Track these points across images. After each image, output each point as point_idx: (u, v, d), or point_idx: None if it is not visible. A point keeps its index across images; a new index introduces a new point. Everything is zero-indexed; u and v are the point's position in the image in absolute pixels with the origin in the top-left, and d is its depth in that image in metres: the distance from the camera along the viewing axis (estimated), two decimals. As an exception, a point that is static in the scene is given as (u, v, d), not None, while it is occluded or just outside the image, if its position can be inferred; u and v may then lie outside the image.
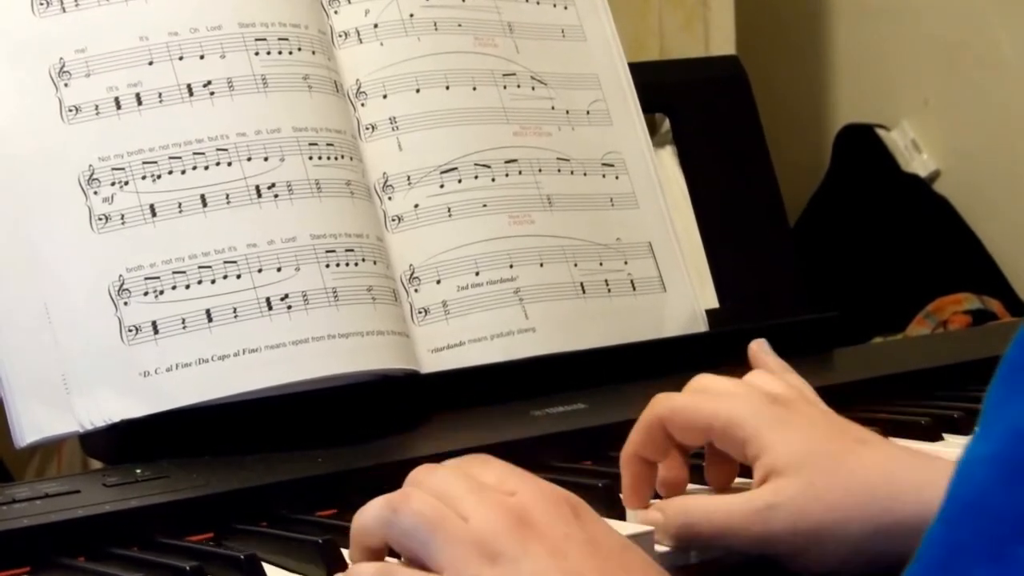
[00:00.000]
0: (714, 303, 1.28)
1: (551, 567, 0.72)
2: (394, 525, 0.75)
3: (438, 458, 0.85)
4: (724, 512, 0.86)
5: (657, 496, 0.92)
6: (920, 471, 0.85)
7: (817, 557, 0.85)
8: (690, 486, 0.92)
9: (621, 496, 0.91)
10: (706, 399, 0.89)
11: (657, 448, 0.90)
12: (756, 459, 0.86)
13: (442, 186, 1.15)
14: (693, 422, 0.89)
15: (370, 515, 0.77)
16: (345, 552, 0.81)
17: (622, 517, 0.90)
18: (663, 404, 0.90)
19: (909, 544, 0.82)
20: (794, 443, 0.86)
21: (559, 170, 1.20)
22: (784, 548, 0.85)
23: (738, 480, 0.92)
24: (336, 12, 1.16)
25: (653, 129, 1.44)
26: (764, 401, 0.89)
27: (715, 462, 0.91)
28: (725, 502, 0.87)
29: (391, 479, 0.86)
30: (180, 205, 1.03)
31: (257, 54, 1.08)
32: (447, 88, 1.17)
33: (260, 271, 1.04)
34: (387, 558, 0.79)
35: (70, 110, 1.03)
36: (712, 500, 0.88)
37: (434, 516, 0.74)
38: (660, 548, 0.87)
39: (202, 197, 1.04)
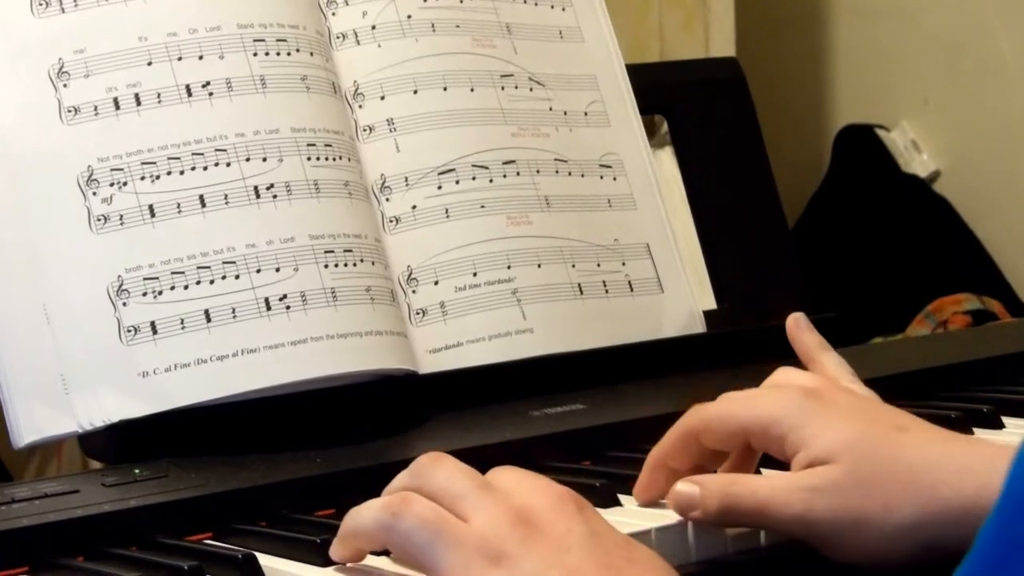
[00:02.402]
0: (712, 304, 1.28)
1: (554, 563, 0.72)
2: (393, 530, 0.75)
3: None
4: (767, 488, 0.85)
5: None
6: (962, 457, 0.84)
7: (858, 544, 0.84)
8: None
9: (633, 489, 0.92)
10: (739, 404, 0.89)
11: (687, 458, 0.90)
12: (795, 453, 0.86)
13: (440, 187, 1.15)
14: (729, 429, 0.89)
15: (368, 518, 0.77)
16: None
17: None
18: (697, 416, 0.90)
19: (950, 534, 0.82)
20: (833, 434, 0.85)
21: (557, 171, 1.20)
22: (822, 532, 0.84)
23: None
24: (334, 14, 1.16)
25: (651, 130, 1.44)
26: (798, 395, 0.88)
27: (735, 467, 0.92)
28: (768, 479, 0.87)
29: (389, 479, 0.86)
30: (179, 205, 1.04)
31: (256, 55, 1.08)
32: (445, 89, 1.17)
33: (259, 271, 1.04)
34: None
35: (69, 111, 1.04)
36: (756, 477, 0.88)
37: (435, 520, 0.74)
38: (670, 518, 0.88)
39: (201, 198, 1.04)
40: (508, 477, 0.77)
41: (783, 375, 0.93)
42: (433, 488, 0.76)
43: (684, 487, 0.87)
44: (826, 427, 0.86)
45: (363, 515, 0.77)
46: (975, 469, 0.83)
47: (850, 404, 0.89)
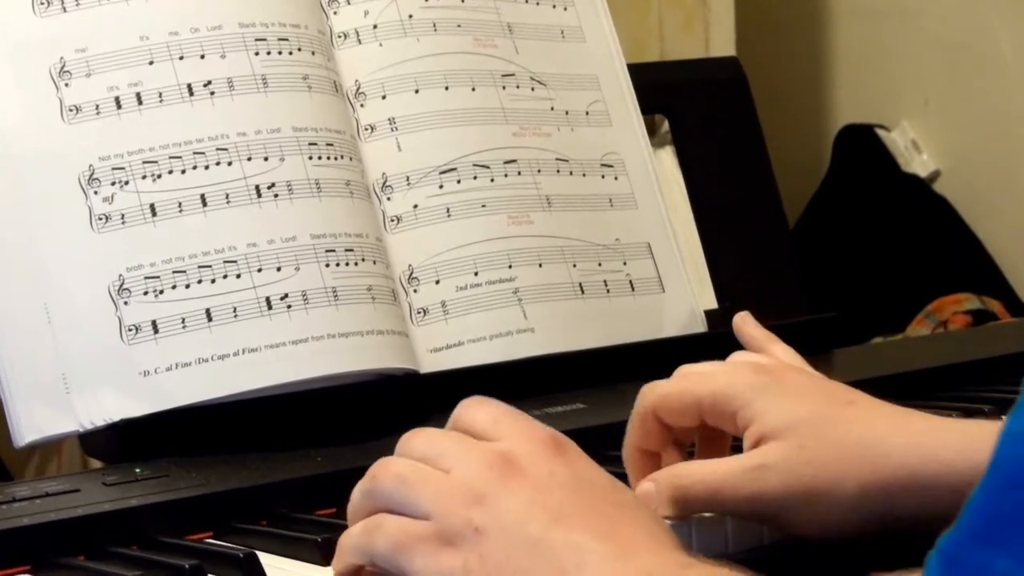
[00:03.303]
0: (713, 304, 1.28)
1: (535, 502, 0.72)
2: (375, 493, 0.76)
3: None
4: (718, 473, 0.86)
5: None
6: (907, 431, 0.86)
7: (811, 518, 0.85)
8: None
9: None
10: (693, 380, 0.90)
11: (655, 439, 0.91)
12: (746, 427, 0.87)
13: (441, 186, 1.15)
14: (683, 404, 0.89)
15: (355, 493, 0.78)
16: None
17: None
18: (652, 393, 0.91)
19: (897, 504, 0.83)
20: (783, 409, 0.86)
21: (558, 171, 1.20)
22: (777, 509, 0.85)
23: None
24: (335, 13, 1.16)
25: (652, 130, 1.44)
26: (749, 371, 0.89)
27: (706, 446, 0.92)
28: (717, 464, 0.87)
29: (390, 478, 0.86)
30: (180, 205, 1.04)
31: (257, 54, 1.08)
32: (446, 89, 1.17)
33: (260, 271, 1.04)
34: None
35: (71, 110, 1.04)
36: (705, 463, 0.88)
37: (412, 474, 0.75)
38: None
39: (202, 197, 1.04)
40: (483, 415, 0.77)
41: (739, 356, 0.94)
42: (414, 454, 0.76)
43: (643, 485, 0.88)
44: (776, 403, 0.87)
45: (353, 495, 0.78)
46: (920, 441, 0.84)
47: (800, 381, 0.89)
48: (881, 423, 0.86)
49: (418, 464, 0.75)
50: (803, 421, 0.86)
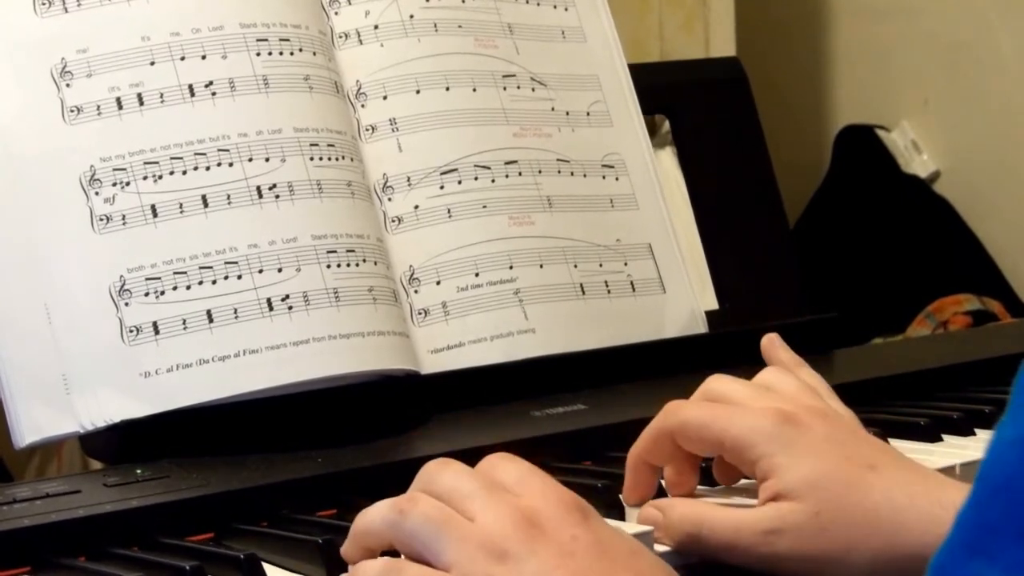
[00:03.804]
0: (714, 304, 1.28)
1: (558, 566, 0.73)
2: (400, 526, 0.76)
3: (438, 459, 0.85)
4: (731, 529, 0.86)
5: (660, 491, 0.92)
6: (927, 504, 0.84)
7: None
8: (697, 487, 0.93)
9: (621, 494, 0.92)
10: (717, 416, 0.89)
11: (664, 456, 0.91)
12: (763, 479, 0.86)
13: (442, 187, 1.15)
14: (704, 440, 0.89)
15: (376, 516, 0.77)
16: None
17: (622, 517, 0.91)
18: (674, 417, 0.90)
19: (914, 574, 0.82)
20: (803, 468, 0.85)
21: (559, 171, 1.20)
22: (786, 568, 0.85)
23: (745, 481, 0.92)
24: (336, 13, 1.16)
25: (653, 130, 1.44)
26: (774, 421, 0.87)
27: (724, 463, 0.92)
28: (732, 518, 0.86)
29: (391, 479, 0.87)
30: (181, 205, 1.03)
31: (259, 55, 1.08)
32: (447, 89, 1.17)
33: (261, 271, 1.04)
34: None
35: (72, 110, 1.03)
36: (719, 514, 0.87)
37: (440, 517, 0.75)
38: (660, 547, 0.88)
39: (203, 197, 1.04)
40: (510, 471, 0.77)
41: (769, 376, 0.93)
42: (440, 489, 0.76)
43: (648, 513, 0.89)
44: (796, 460, 0.86)
45: (372, 514, 0.78)
46: (939, 517, 0.83)
47: (824, 434, 0.88)
48: (901, 492, 0.85)
49: (446, 508, 0.75)
50: (821, 485, 0.85)
